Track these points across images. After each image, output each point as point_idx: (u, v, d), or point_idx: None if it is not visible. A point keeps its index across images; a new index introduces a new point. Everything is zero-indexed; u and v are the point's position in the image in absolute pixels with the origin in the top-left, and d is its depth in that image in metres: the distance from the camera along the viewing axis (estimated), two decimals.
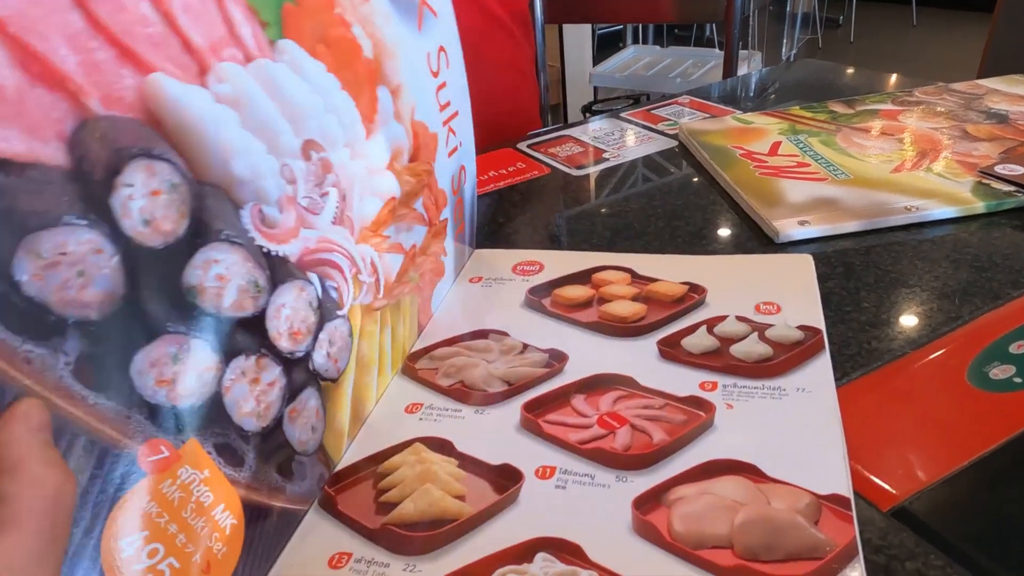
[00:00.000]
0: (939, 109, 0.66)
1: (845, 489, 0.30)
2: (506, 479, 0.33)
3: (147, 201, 0.22)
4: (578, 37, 1.97)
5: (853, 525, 0.28)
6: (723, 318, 0.42)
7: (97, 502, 0.21)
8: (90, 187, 0.21)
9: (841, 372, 0.39)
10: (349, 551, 0.30)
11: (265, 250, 0.28)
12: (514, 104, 0.97)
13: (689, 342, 0.40)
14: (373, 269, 0.35)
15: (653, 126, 0.74)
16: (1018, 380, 0.37)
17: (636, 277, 0.47)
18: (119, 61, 0.22)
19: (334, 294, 0.33)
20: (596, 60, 1.84)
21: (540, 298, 0.47)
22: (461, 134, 0.46)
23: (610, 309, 0.44)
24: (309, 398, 0.31)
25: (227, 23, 0.27)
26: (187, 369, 0.24)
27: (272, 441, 0.29)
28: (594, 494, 0.32)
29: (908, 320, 0.42)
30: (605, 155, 0.68)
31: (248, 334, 0.27)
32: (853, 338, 0.41)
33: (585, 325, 0.43)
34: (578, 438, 0.35)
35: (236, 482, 0.27)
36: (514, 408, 0.38)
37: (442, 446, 0.36)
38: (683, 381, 0.38)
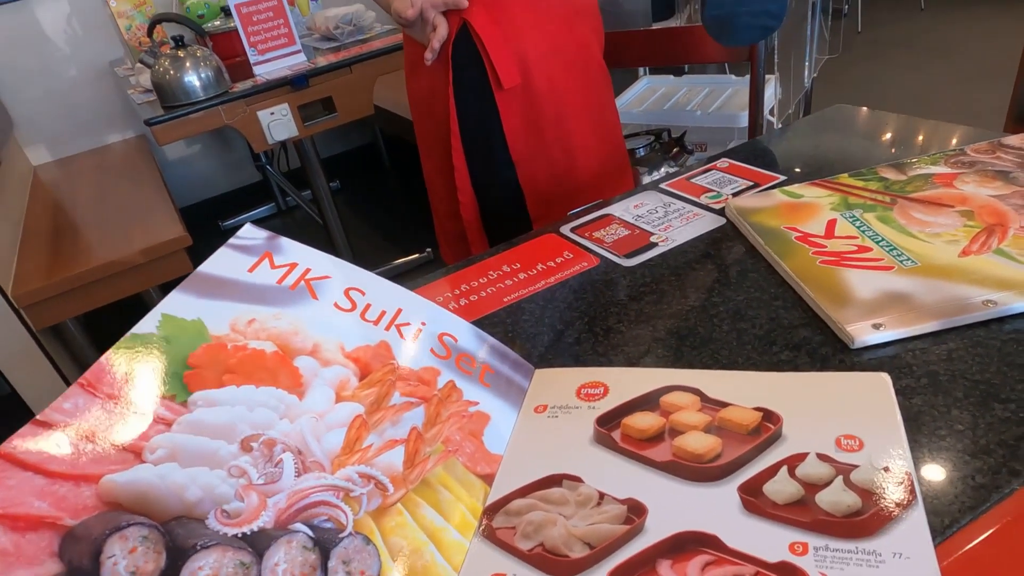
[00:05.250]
0: (996, 170, 0.63)
1: None
2: None
3: (128, 559, 0.31)
4: None
5: None
6: (803, 456, 0.40)
7: None
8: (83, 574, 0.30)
9: (948, 517, 0.37)
10: None
11: (239, 535, 0.34)
12: (619, 144, 1.02)
13: (771, 488, 0.39)
14: (365, 479, 0.39)
15: (697, 199, 0.72)
16: None
17: (705, 401, 0.46)
18: (77, 486, 0.32)
19: (328, 524, 0.37)
20: (615, 88, 1.83)
21: (609, 431, 0.45)
22: (417, 315, 0.49)
23: (684, 444, 0.43)
24: None
25: (145, 416, 0.37)
26: None
27: None
28: None
29: (1010, 447, 0.40)
30: (652, 239, 0.67)
31: None
32: (955, 472, 0.39)
33: (660, 466, 0.42)
34: None
35: None
36: None
37: None
38: (771, 541, 0.36)
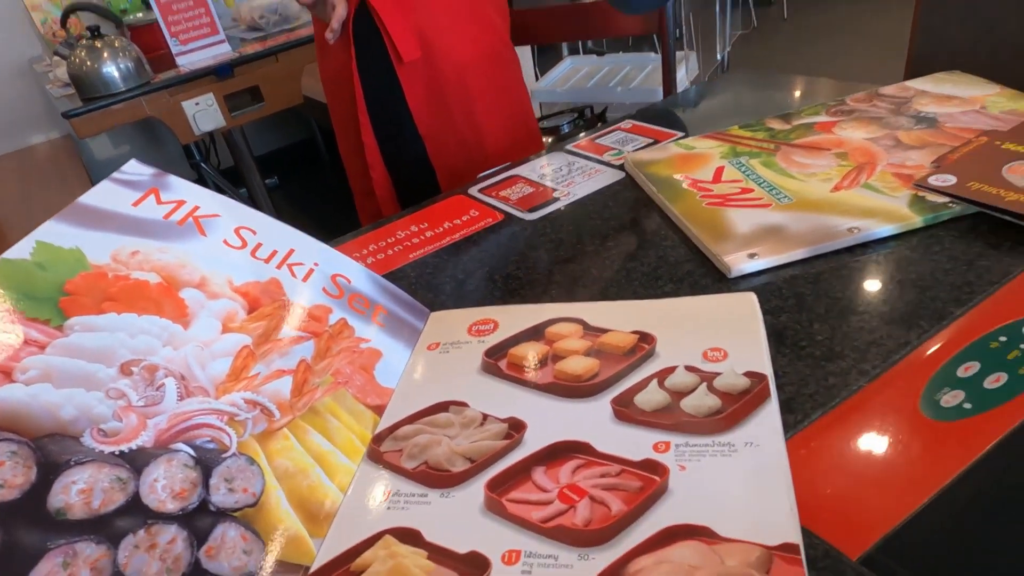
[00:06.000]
0: (871, 116, 0.67)
1: (794, 536, 0.31)
2: (474, 568, 0.33)
3: None
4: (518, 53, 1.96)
5: (803, 568, 0.30)
6: (673, 369, 0.42)
7: None
8: None
9: (802, 414, 0.39)
10: None
11: (117, 452, 0.35)
12: (528, 116, 1.04)
13: (641, 399, 0.41)
14: (251, 405, 0.40)
15: (600, 157, 0.74)
16: (968, 406, 0.38)
17: (588, 329, 0.48)
18: None
19: (211, 445, 0.37)
20: (542, 69, 1.86)
21: (496, 360, 0.47)
22: (310, 256, 0.50)
23: (564, 367, 0.44)
24: (225, 531, 0.35)
25: (15, 338, 0.36)
26: (79, 568, 0.31)
27: None
28: None
29: (860, 351, 0.43)
30: (555, 194, 0.69)
31: (130, 516, 0.33)
32: (811, 375, 0.42)
33: (541, 387, 0.44)
34: (540, 516, 0.35)
35: None
36: (478, 487, 0.38)
37: (410, 536, 0.36)
38: (638, 443, 0.38)
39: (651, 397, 0.41)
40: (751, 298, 0.47)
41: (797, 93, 0.84)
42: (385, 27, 0.86)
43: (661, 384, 0.41)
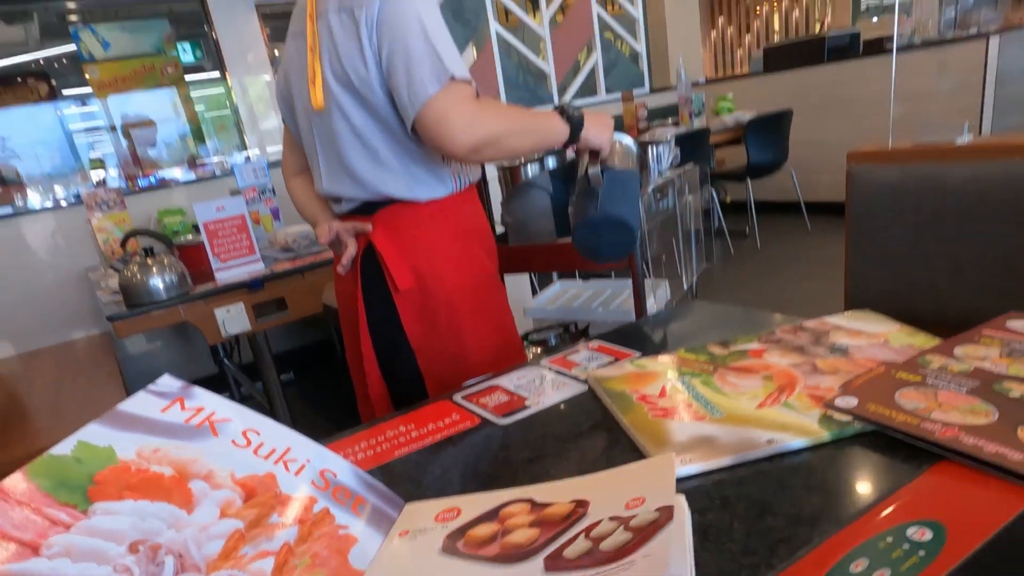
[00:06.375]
0: (795, 345, 0.79)
1: None
2: None
3: None
4: (515, 277, 2.22)
5: None
6: (599, 522, 0.50)
7: None
8: None
9: None
10: None
11: None
12: (511, 334, 1.17)
13: (569, 550, 0.48)
14: None
15: (568, 372, 0.86)
16: None
17: (535, 505, 0.55)
18: None
19: None
20: (539, 287, 2.08)
21: (455, 542, 0.54)
22: (304, 453, 0.58)
23: (509, 539, 0.52)
24: None
25: (46, 519, 0.44)
26: None
27: None
28: None
29: (771, 547, 0.50)
30: (527, 403, 0.79)
31: None
32: (727, 568, 0.48)
33: (489, 559, 0.50)
34: None
35: None
36: None
37: None
38: None
39: (577, 547, 0.48)
40: (670, 457, 0.56)
41: (739, 323, 0.98)
42: (386, 264, 1.05)
43: (587, 535, 0.49)
